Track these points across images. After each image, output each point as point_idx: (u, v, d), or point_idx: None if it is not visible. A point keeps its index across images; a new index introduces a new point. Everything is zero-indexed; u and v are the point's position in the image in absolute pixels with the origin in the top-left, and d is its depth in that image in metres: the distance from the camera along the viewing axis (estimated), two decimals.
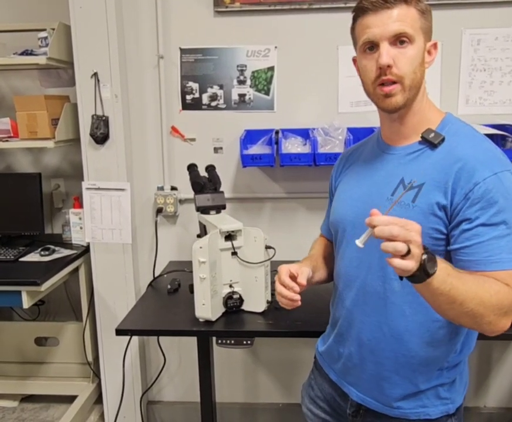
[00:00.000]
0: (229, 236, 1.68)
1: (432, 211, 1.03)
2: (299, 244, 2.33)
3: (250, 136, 2.20)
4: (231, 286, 1.71)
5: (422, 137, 1.09)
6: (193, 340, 1.98)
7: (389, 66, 1.03)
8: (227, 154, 2.31)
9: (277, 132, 2.19)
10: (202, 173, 2.01)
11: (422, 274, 0.86)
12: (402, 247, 0.83)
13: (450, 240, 1.03)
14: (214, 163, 2.10)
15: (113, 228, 2.28)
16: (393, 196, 1.08)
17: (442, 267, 0.89)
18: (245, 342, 1.63)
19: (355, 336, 1.18)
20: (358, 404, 1.21)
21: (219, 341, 1.64)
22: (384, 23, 1.03)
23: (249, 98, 2.26)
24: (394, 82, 1.04)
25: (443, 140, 1.07)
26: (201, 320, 1.66)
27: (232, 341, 1.63)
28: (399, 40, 1.03)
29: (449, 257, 1.04)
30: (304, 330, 1.62)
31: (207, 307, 1.63)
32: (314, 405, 1.36)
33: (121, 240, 2.29)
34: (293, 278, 1.20)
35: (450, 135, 1.07)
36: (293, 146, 2.13)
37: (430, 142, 1.07)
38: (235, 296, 1.70)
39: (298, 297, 1.18)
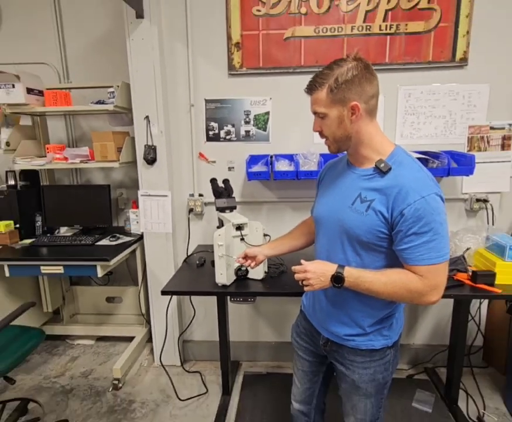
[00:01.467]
0: (239, 227, 1.68)
1: (378, 219, 1.05)
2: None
3: (253, 159, 2.20)
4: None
5: (375, 165, 1.07)
6: (214, 299, 1.99)
7: (318, 131, 1.11)
8: (237, 171, 2.31)
9: (271, 156, 2.19)
10: (220, 184, 2.01)
11: (335, 285, 1.07)
12: (299, 279, 1.09)
13: (394, 241, 1.05)
14: (228, 177, 2.10)
15: (159, 222, 2.29)
16: (353, 205, 1.08)
17: (350, 279, 1.06)
18: (249, 299, 1.64)
19: (323, 295, 1.23)
20: (326, 338, 1.25)
21: (232, 299, 1.65)
22: (310, 104, 1.09)
23: (252, 133, 2.26)
24: (327, 138, 1.10)
25: (389, 169, 1.05)
26: (219, 285, 1.67)
27: (241, 299, 1.65)
28: (318, 115, 1.08)
29: (392, 251, 1.07)
30: (291, 291, 1.63)
31: (223, 276, 1.63)
32: (299, 338, 1.40)
33: (165, 230, 2.30)
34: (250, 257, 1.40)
35: (395, 165, 1.05)
36: (283, 166, 2.14)
37: (380, 170, 1.06)
38: (242, 269, 1.71)
39: (241, 262, 1.42)
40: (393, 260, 1.08)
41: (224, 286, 1.66)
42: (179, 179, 2.36)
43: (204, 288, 1.71)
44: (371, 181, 1.07)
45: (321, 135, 1.12)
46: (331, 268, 1.08)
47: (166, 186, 2.26)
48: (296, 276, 1.11)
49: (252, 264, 1.43)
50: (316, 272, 1.08)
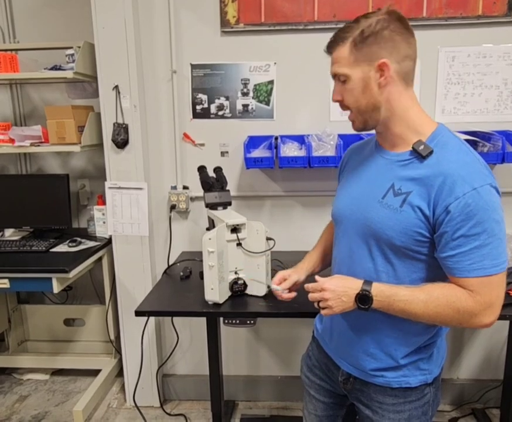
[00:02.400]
0: (235, 229, 1.67)
1: (416, 216, 1.02)
2: (295, 236, 2.33)
3: (252, 142, 2.18)
4: (236, 272, 1.70)
5: (412, 148, 1.05)
6: (203, 320, 1.97)
7: (338, 100, 1.10)
8: (232, 157, 2.30)
9: (276, 138, 2.18)
10: (211, 173, 2.00)
11: (361, 306, 1.05)
12: (314, 299, 1.11)
13: (436, 247, 1.03)
14: (221, 165, 2.09)
15: (133, 223, 2.27)
16: (384, 199, 1.07)
17: (380, 299, 1.04)
18: (248, 322, 1.63)
19: (344, 317, 1.19)
20: (348, 373, 1.23)
21: (226, 321, 1.64)
22: (331, 65, 1.09)
23: (252, 108, 2.24)
24: (349, 108, 1.10)
25: (431, 152, 1.03)
26: (210, 302, 1.66)
27: (237, 321, 1.63)
28: (338, 78, 1.08)
29: (434, 259, 1.05)
30: (300, 311, 1.61)
31: (215, 291, 1.62)
32: (311, 373, 1.37)
33: (139, 233, 2.28)
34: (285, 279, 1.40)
35: (438, 147, 1.03)
36: (290, 150, 2.12)
37: (419, 154, 1.03)
38: (239, 282, 1.69)
39: (289, 296, 1.40)
40: (436, 271, 1.06)
41: (215, 304, 1.65)
42: (158, 167, 2.34)
43: (190, 307, 1.70)
44: (406, 169, 1.06)
45: (343, 105, 1.11)
46: (355, 285, 1.07)
47: (141, 176, 2.24)
48: (311, 296, 1.11)
49: (292, 295, 1.41)
50: (336, 290, 1.07)
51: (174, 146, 2.31)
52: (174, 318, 2.44)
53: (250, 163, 2.07)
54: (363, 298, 1.05)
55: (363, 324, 1.15)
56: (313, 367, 1.37)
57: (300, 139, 2.16)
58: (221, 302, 1.65)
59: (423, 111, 1.09)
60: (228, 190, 1.93)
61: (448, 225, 0.98)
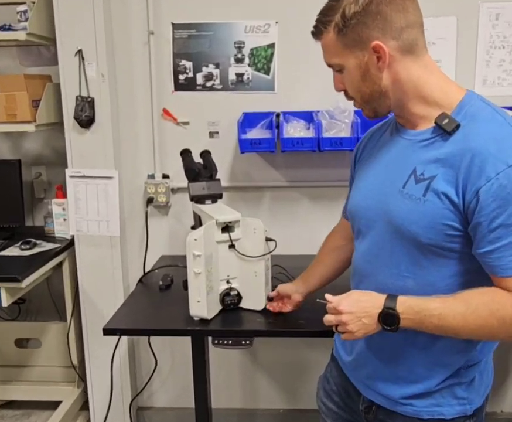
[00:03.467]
0: (227, 227, 1.67)
1: (444, 206, 1.03)
2: (301, 236, 2.34)
3: (248, 120, 2.19)
4: (228, 282, 1.71)
5: (435, 123, 1.06)
6: (187, 341, 1.97)
7: (341, 90, 1.17)
8: (224, 139, 2.30)
9: (278, 115, 2.18)
10: (197, 159, 2.00)
11: (386, 328, 1.06)
12: (330, 323, 1.11)
13: (472, 241, 1.04)
14: (209, 148, 2.09)
15: (100, 220, 2.28)
16: (404, 188, 1.08)
17: (409, 316, 1.04)
18: (243, 342, 1.63)
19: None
20: (370, 401, 1.24)
21: (216, 341, 1.64)
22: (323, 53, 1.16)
23: (248, 78, 2.25)
24: (353, 98, 1.17)
25: (457, 127, 1.03)
26: (195, 318, 1.66)
27: (230, 342, 1.63)
28: (334, 68, 1.16)
29: (470, 256, 1.06)
30: (307, 329, 1.62)
31: (202, 304, 1.62)
32: (328, 399, 1.41)
33: (108, 233, 2.29)
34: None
35: (466, 120, 1.04)
36: (296, 130, 2.12)
37: (444, 130, 1.04)
38: (232, 293, 1.70)
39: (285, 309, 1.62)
40: (477, 272, 1.06)
41: (202, 321, 1.66)
42: (131, 150, 2.35)
43: (170, 323, 1.70)
44: (430, 149, 1.08)
45: (347, 95, 1.18)
46: (377, 302, 1.07)
47: (110, 163, 2.25)
48: (326, 318, 1.12)
49: (288, 307, 1.63)
50: (355, 312, 1.08)
51: (151, 125, 2.31)
52: (152, 338, 2.44)
53: (245, 146, 2.08)
54: (388, 318, 1.05)
55: (388, 343, 1.16)
56: (331, 392, 1.39)
57: (308, 117, 2.16)
58: (209, 317, 1.65)
59: (445, 78, 1.11)
60: (219, 180, 1.93)
61: (481, 214, 0.98)
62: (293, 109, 2.21)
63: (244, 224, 1.70)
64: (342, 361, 1.33)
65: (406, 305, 1.05)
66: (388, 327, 1.05)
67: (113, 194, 2.26)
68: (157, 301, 1.88)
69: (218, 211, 1.75)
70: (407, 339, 1.13)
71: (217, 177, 1.96)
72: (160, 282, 1.98)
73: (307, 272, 1.59)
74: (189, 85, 2.28)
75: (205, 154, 2.04)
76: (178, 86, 2.28)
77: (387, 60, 1.06)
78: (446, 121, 1.04)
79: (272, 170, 2.33)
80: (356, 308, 1.07)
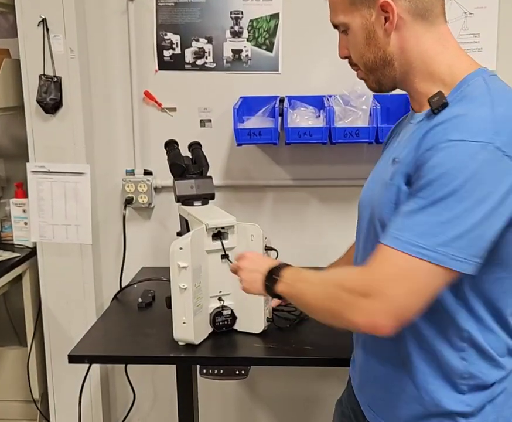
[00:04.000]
0: (219, 234, 1.68)
1: (404, 190, 1.09)
2: (308, 245, 2.34)
3: (247, 105, 2.19)
4: (220, 299, 1.71)
5: (428, 101, 1.10)
6: (172, 369, 1.98)
7: (345, 56, 1.25)
8: (217, 128, 2.31)
9: (282, 100, 2.18)
10: (185, 152, 2.01)
11: (267, 285, 1.27)
12: (231, 270, 1.46)
13: None
14: (199, 139, 2.09)
15: (68, 224, 2.28)
16: (392, 180, 1.13)
17: (287, 281, 1.23)
18: (237, 372, 1.63)
19: (365, 344, 1.29)
20: None
21: (204, 371, 1.64)
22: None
23: (247, 55, 2.25)
24: (357, 66, 1.23)
25: (443, 106, 1.07)
26: (181, 343, 1.66)
27: (221, 371, 1.64)
28: (339, 29, 1.24)
29: None
30: (316, 357, 1.62)
31: (188, 326, 1.62)
32: (339, 420, 1.49)
33: (78, 240, 2.28)
34: None
35: (457, 99, 1.08)
36: (303, 118, 2.12)
37: (431, 109, 1.09)
38: (225, 312, 1.70)
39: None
40: None
41: (189, 346, 1.66)
42: (106, 141, 2.35)
43: (151, 349, 1.70)
44: (414, 132, 1.15)
45: (351, 62, 1.25)
46: (271, 263, 1.30)
47: (81, 155, 2.25)
48: (231, 265, 1.46)
49: (273, 303, 1.71)
50: (249, 267, 1.35)
51: (130, 111, 2.32)
52: (130, 367, 2.43)
53: (243, 137, 2.08)
54: (269, 277, 1.26)
55: (390, 353, 1.20)
56: (342, 415, 1.48)
57: (318, 102, 2.16)
58: (197, 342, 1.65)
59: (459, 54, 1.15)
60: (210, 177, 1.93)
61: (414, 184, 1.05)
62: (300, 93, 2.21)
63: (240, 230, 1.70)
64: (354, 380, 1.39)
65: (291, 272, 1.24)
66: (268, 284, 1.26)
67: (84, 193, 2.25)
68: (135, 322, 1.88)
69: (209, 215, 1.75)
70: (409, 343, 1.16)
71: (208, 174, 1.96)
72: (140, 300, 1.98)
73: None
74: (176, 64, 2.28)
75: (195, 146, 2.04)
76: (163, 64, 2.28)
77: (395, 21, 1.11)
78: (435, 99, 1.09)
79: (274, 166, 2.33)
80: (254, 262, 1.35)
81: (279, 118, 2.10)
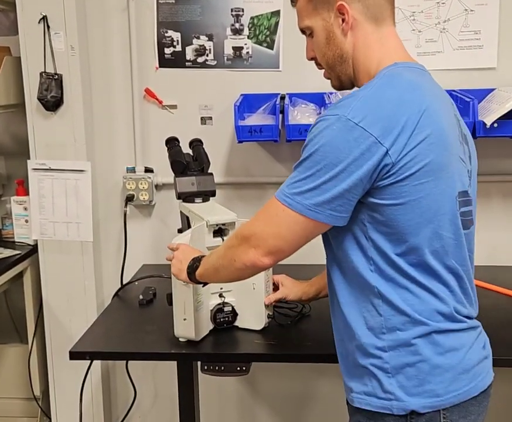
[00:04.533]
0: (219, 231, 1.68)
1: None
2: (311, 242, 2.33)
3: (248, 103, 2.19)
4: (221, 296, 1.71)
5: None
6: (172, 366, 1.98)
7: (311, 58, 1.37)
8: (218, 125, 2.31)
9: (283, 97, 2.19)
10: (186, 150, 2.00)
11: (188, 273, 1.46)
12: (168, 259, 1.59)
13: None
14: (200, 136, 2.09)
15: (69, 222, 2.27)
16: None
17: (203, 265, 1.42)
18: (238, 369, 1.63)
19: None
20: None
21: (205, 367, 1.64)
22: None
23: (247, 53, 2.25)
24: (321, 65, 1.35)
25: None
26: (181, 340, 1.66)
27: (223, 368, 1.63)
28: (305, 33, 1.35)
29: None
30: (316, 353, 1.62)
31: (189, 323, 1.62)
32: None
33: (79, 237, 2.28)
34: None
35: (360, 89, 1.22)
36: (304, 115, 2.12)
37: None
38: (226, 309, 1.70)
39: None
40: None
41: (190, 343, 1.66)
42: (107, 138, 2.36)
43: (152, 346, 1.71)
44: None
45: (317, 63, 1.36)
46: (195, 254, 1.47)
47: (81, 153, 2.25)
48: (166, 255, 1.60)
49: (271, 298, 1.73)
50: (179, 256, 1.51)
51: (131, 108, 2.32)
52: (130, 363, 2.42)
53: (244, 134, 2.08)
54: (191, 265, 1.44)
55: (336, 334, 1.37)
56: None
57: (319, 99, 2.17)
58: (197, 339, 1.65)
59: (393, 52, 1.26)
60: (211, 174, 1.93)
61: None
62: (302, 90, 2.22)
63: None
64: None
65: (207, 256, 1.43)
66: (189, 271, 1.44)
67: (85, 191, 2.25)
68: (136, 319, 1.88)
69: (210, 211, 1.75)
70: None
71: (210, 171, 1.96)
72: (141, 296, 1.98)
73: (321, 277, 1.67)
74: (177, 61, 2.28)
75: (196, 143, 2.04)
76: (164, 62, 2.28)
77: (350, 22, 1.24)
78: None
79: (275, 164, 2.34)
80: (183, 252, 1.50)
81: (280, 115, 2.10)
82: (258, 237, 1.22)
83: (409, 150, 1.10)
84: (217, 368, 1.64)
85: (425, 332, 1.19)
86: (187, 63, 2.28)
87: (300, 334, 1.70)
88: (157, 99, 2.31)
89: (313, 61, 2.28)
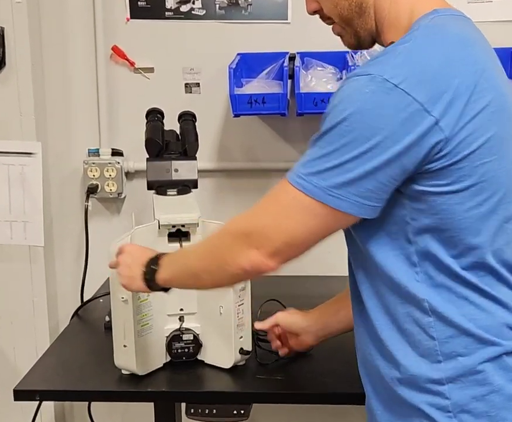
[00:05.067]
0: (178, 233, 1.68)
1: None
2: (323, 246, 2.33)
3: (247, 65, 2.21)
4: (181, 319, 1.71)
5: None
6: (149, 408, 1.98)
7: (315, 11, 1.36)
8: (207, 94, 2.33)
9: (292, 58, 2.19)
10: (168, 126, 2.01)
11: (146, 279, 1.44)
12: (110, 265, 1.59)
13: None
14: (185, 108, 2.11)
15: (13, 221, 2.27)
16: None
17: (169, 265, 1.41)
18: (235, 412, 1.64)
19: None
20: None
21: (192, 410, 1.65)
22: None
23: (246, 0, 2.26)
24: (331, 19, 1.35)
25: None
26: (124, 372, 1.69)
27: (214, 411, 1.65)
28: None
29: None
30: (337, 391, 1.63)
31: (129, 351, 1.64)
32: None
33: (26, 241, 2.28)
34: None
35: (397, 43, 1.19)
36: (321, 81, 2.13)
37: None
38: (185, 337, 1.71)
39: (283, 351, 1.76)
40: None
41: (174, 378, 1.69)
42: (63, 111, 2.37)
43: (121, 383, 1.70)
44: None
45: (323, 16, 1.36)
46: (151, 254, 1.46)
47: (30, 131, 2.27)
48: (109, 262, 1.59)
49: (285, 349, 1.73)
50: (127, 261, 1.49)
51: (94, 72, 2.32)
52: (94, 405, 2.43)
53: (242, 105, 2.08)
54: (148, 269, 1.43)
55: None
56: None
57: (339, 60, 2.18)
58: (141, 373, 1.66)
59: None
60: (195, 158, 1.93)
61: None
62: (316, 49, 2.24)
63: (208, 229, 1.68)
64: None
65: (169, 256, 1.43)
66: (147, 277, 1.42)
67: (34, 179, 2.24)
68: (101, 346, 1.86)
69: (170, 208, 1.75)
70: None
71: (194, 154, 1.96)
72: (107, 318, 1.96)
73: (331, 303, 1.70)
74: (153, 11, 2.29)
75: (186, 118, 2.05)
76: (137, 11, 2.29)
77: None
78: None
79: (283, 144, 2.35)
80: (132, 255, 1.49)
81: (289, 81, 2.11)
82: (261, 233, 1.22)
83: (466, 122, 1.07)
84: (207, 411, 1.65)
85: (494, 355, 1.18)
86: (167, 13, 2.29)
87: (313, 368, 1.72)
88: (128, 60, 2.31)
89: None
